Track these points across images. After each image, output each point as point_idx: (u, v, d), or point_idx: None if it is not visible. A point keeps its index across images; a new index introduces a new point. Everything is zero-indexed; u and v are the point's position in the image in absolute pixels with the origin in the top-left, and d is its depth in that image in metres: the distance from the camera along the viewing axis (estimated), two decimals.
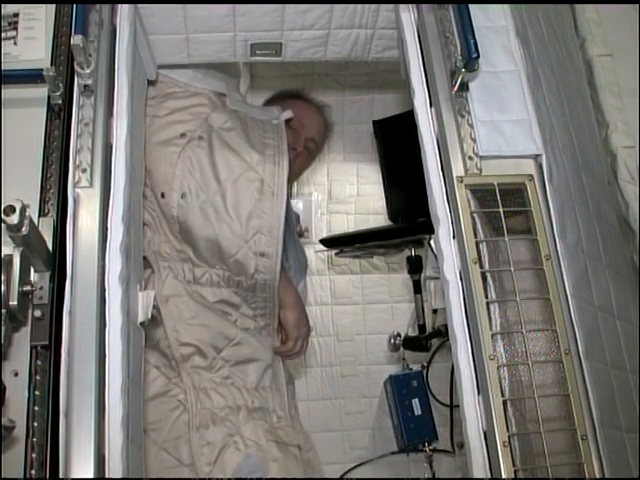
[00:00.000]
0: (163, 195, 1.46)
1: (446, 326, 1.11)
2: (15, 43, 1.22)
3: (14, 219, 0.89)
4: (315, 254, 2.34)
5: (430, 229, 1.15)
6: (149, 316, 1.14)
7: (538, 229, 1.10)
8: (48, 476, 0.93)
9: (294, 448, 1.47)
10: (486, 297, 1.05)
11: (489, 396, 0.99)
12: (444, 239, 1.11)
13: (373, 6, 1.36)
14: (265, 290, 1.48)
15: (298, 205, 2.37)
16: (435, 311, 1.98)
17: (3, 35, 1.21)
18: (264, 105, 1.96)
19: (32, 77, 1.11)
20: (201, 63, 1.49)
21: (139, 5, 1.27)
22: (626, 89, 1.58)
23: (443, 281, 1.09)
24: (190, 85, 1.56)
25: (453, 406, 2.02)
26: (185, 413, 1.40)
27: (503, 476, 0.96)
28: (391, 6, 1.35)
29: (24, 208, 0.91)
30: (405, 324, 2.22)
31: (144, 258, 1.45)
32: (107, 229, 1.05)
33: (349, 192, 2.41)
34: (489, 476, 0.98)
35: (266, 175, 1.47)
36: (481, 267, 1.06)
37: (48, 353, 0.99)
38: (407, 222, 1.94)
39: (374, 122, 2.15)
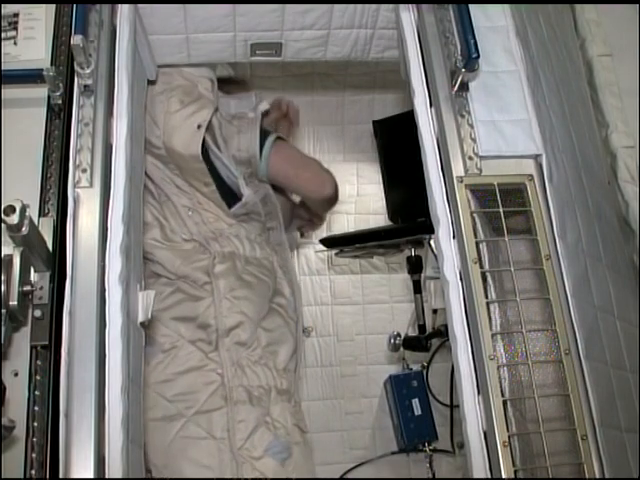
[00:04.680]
0: (207, 184, 1.52)
1: (446, 326, 1.11)
2: (15, 43, 1.22)
3: (14, 219, 0.89)
4: (315, 254, 2.34)
5: (430, 229, 1.15)
6: (149, 316, 1.14)
7: (538, 229, 1.10)
8: (48, 476, 0.93)
9: (305, 434, 1.51)
10: (486, 297, 1.05)
11: (489, 396, 0.99)
12: (444, 239, 1.11)
13: (373, 6, 1.36)
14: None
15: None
16: (435, 311, 1.98)
17: (3, 35, 1.21)
18: None
19: (32, 77, 1.11)
20: (201, 63, 1.49)
21: (139, 5, 1.27)
22: (626, 89, 1.58)
23: (443, 281, 1.09)
24: (192, 74, 1.57)
25: (453, 406, 2.02)
26: (221, 387, 1.42)
27: (503, 476, 0.96)
28: (391, 6, 1.35)
29: (24, 208, 0.91)
30: (405, 324, 2.22)
31: (191, 240, 1.52)
32: (107, 229, 1.05)
33: (349, 192, 2.41)
34: (489, 476, 0.98)
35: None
36: (481, 267, 1.06)
37: (48, 353, 0.99)
38: (407, 222, 1.94)
39: (374, 122, 2.15)
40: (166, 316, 1.46)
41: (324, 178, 1.58)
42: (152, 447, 1.35)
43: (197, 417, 1.39)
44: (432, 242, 1.79)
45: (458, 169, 1.12)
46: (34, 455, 0.94)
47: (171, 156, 1.50)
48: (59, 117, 1.14)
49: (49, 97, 1.14)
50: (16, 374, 0.98)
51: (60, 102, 1.13)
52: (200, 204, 1.55)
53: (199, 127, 1.48)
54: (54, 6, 1.25)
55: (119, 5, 1.22)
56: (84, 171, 1.07)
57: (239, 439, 1.38)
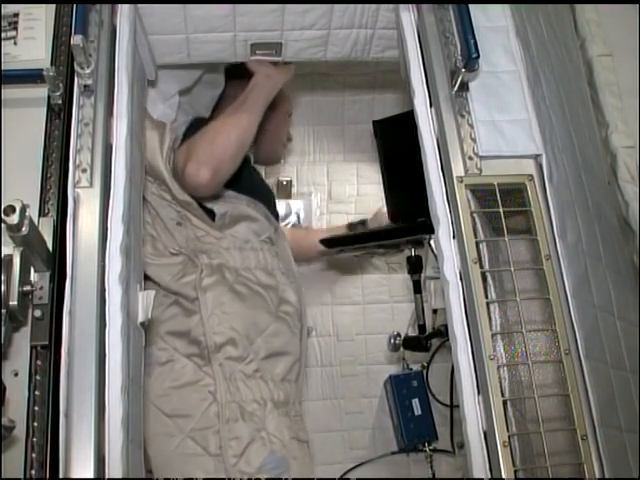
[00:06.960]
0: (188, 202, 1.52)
1: (446, 326, 1.11)
2: (15, 43, 1.22)
3: (14, 219, 0.89)
4: None
5: (430, 229, 1.15)
6: (149, 316, 1.14)
7: (538, 229, 1.10)
8: (48, 476, 0.93)
9: (307, 445, 1.50)
10: (486, 297, 1.05)
11: (489, 396, 0.99)
12: (444, 239, 1.11)
13: (373, 6, 1.36)
14: None
15: (298, 205, 2.37)
16: (435, 311, 1.98)
17: (3, 35, 1.21)
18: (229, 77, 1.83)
19: (32, 77, 1.11)
20: (201, 62, 1.49)
21: (139, 5, 1.27)
22: (626, 89, 1.58)
23: (443, 281, 1.09)
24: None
25: (453, 406, 2.02)
26: (214, 404, 1.42)
27: (503, 476, 0.96)
28: (391, 6, 1.35)
29: (24, 208, 0.91)
30: (405, 324, 2.22)
31: (180, 254, 1.51)
32: (107, 229, 1.05)
33: (349, 192, 2.41)
34: (489, 476, 0.98)
35: None
36: (481, 267, 1.06)
37: (48, 353, 0.99)
38: (407, 222, 1.94)
39: (374, 122, 2.14)
40: (162, 329, 1.46)
41: (188, 170, 1.44)
42: (154, 460, 1.37)
43: (193, 433, 1.40)
44: (432, 242, 1.79)
45: (458, 169, 1.12)
46: (34, 455, 0.94)
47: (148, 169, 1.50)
48: (59, 117, 1.14)
49: (49, 97, 1.14)
50: (16, 374, 0.98)
51: (60, 102, 1.13)
52: (189, 219, 1.54)
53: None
54: (54, 6, 1.25)
55: (119, 5, 1.22)
56: (84, 171, 1.07)
57: (232, 456, 1.37)
